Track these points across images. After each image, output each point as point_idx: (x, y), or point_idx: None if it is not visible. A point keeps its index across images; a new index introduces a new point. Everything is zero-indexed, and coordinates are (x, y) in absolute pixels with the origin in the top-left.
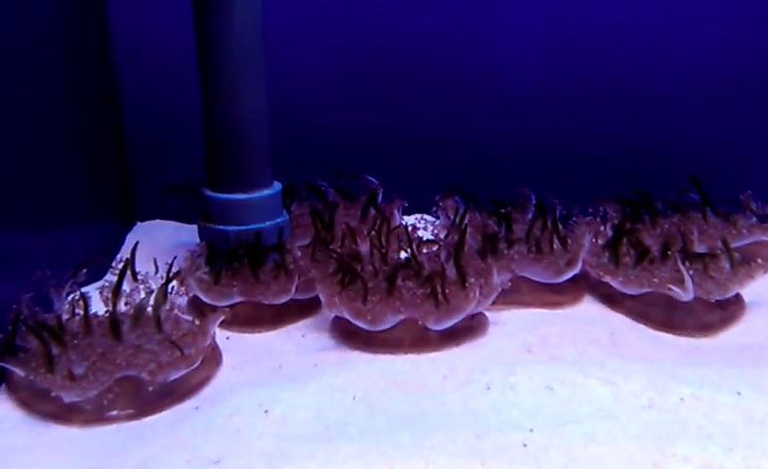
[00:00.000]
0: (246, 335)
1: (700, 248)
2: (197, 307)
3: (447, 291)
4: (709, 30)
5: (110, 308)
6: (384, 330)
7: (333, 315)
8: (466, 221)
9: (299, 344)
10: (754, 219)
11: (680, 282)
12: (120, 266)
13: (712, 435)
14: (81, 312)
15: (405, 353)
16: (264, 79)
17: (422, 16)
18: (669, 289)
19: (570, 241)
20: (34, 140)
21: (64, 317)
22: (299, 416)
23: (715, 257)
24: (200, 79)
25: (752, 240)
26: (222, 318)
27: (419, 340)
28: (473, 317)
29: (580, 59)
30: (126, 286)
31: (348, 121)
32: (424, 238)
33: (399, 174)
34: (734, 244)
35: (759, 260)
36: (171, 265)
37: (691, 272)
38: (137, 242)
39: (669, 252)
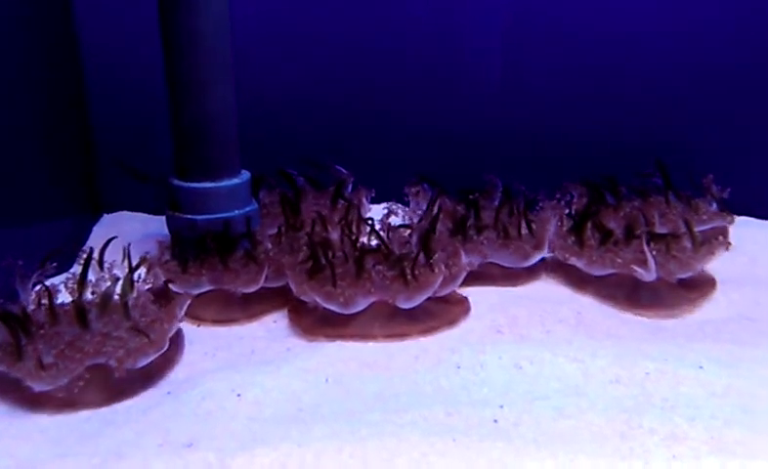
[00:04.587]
0: (218, 322)
1: (660, 230)
2: (166, 296)
3: (416, 272)
4: (674, 24)
5: (76, 297)
6: (356, 314)
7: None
8: (437, 206)
9: (271, 330)
10: (715, 205)
11: (643, 263)
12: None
13: (676, 406)
14: (47, 302)
15: (377, 336)
16: (231, 67)
17: (390, 9)
18: (633, 269)
19: (535, 226)
20: None
21: (31, 307)
22: (272, 399)
23: (677, 237)
24: (167, 67)
25: (712, 226)
26: (189, 301)
27: (390, 323)
28: (446, 299)
29: (545, 50)
30: (93, 277)
31: (319, 113)
32: (396, 224)
33: (369, 164)
34: (695, 229)
35: (721, 237)
36: (128, 252)
37: (654, 252)
38: (114, 237)
39: (634, 234)
